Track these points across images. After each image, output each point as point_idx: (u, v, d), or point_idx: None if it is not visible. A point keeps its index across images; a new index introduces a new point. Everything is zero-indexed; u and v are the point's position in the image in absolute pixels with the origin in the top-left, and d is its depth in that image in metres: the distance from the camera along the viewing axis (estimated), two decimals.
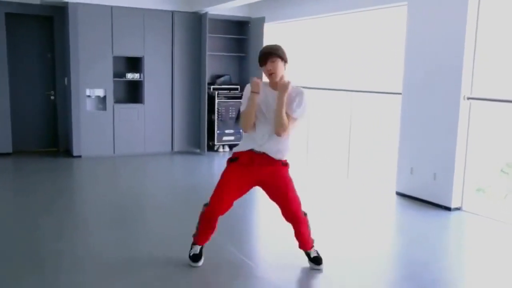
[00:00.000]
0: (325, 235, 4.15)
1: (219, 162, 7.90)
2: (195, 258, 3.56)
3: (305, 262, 3.64)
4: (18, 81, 7.75)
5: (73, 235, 4.29)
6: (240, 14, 8.49)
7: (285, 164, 3.43)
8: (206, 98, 8.25)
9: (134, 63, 8.11)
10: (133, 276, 3.41)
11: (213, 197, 3.41)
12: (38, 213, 4.81)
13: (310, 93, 7.54)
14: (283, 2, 7.71)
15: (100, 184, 6.36)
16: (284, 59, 3.32)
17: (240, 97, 6.21)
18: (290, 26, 8.13)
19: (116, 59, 7.82)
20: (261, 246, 4.37)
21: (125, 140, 7.94)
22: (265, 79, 3.44)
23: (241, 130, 3.48)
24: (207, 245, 3.62)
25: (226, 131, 8.51)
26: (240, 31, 8.82)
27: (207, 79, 8.29)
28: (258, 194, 4.69)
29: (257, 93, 3.28)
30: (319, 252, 3.64)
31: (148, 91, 8.01)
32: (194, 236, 3.58)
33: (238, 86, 8.55)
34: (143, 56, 7.90)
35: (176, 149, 8.39)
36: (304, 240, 3.59)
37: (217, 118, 8.42)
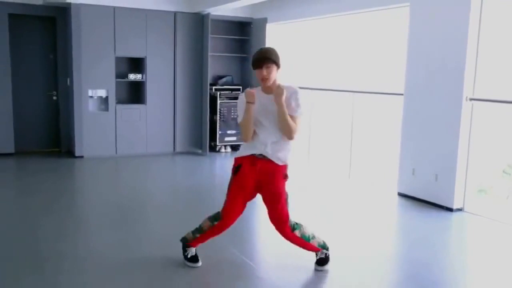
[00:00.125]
0: (326, 235, 4.14)
1: (221, 162, 7.91)
2: (194, 259, 3.56)
3: (307, 263, 3.64)
4: (21, 81, 7.77)
5: (74, 235, 4.29)
6: (242, 15, 8.49)
7: (285, 177, 3.41)
8: (208, 99, 8.25)
9: (137, 64, 8.12)
10: (134, 276, 3.41)
11: (224, 211, 3.43)
12: (40, 213, 4.82)
13: (311, 94, 7.58)
14: (285, 3, 7.71)
15: (102, 184, 6.37)
16: (278, 65, 3.31)
17: None
18: (292, 27, 8.13)
19: (118, 59, 7.84)
20: (262, 247, 4.37)
21: (127, 140, 7.95)
22: (257, 83, 3.43)
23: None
24: (208, 245, 3.62)
25: (228, 132, 8.51)
26: (242, 32, 8.82)
27: (209, 80, 8.30)
28: (259, 195, 4.67)
29: (253, 103, 3.29)
30: (329, 254, 3.61)
31: (150, 91, 8.02)
32: (188, 240, 3.58)
33: (240, 87, 8.56)
34: (146, 57, 7.91)
35: (178, 149, 8.40)
36: (300, 247, 3.58)
37: (219, 119, 8.43)
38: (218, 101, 8.38)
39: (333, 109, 7.56)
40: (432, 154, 5.40)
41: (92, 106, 7.75)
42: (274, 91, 3.24)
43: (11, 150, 7.64)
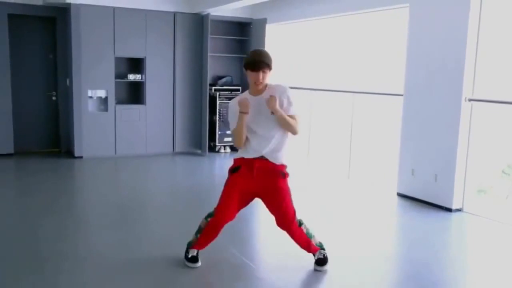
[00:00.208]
0: (326, 236, 4.14)
1: (220, 163, 7.91)
2: (194, 259, 3.57)
3: (307, 263, 3.64)
4: (20, 81, 7.77)
5: (74, 235, 4.30)
6: (242, 15, 8.50)
7: (284, 176, 3.44)
8: (208, 99, 8.26)
9: (136, 64, 8.12)
10: (134, 277, 3.41)
11: (218, 208, 3.45)
12: (40, 213, 4.83)
13: (310, 95, 7.58)
14: (285, 4, 7.72)
15: (102, 184, 6.37)
16: (271, 68, 3.33)
17: None
18: (291, 28, 8.14)
19: (118, 60, 7.84)
20: (262, 248, 4.37)
21: (127, 141, 7.95)
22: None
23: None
24: (208, 246, 3.62)
25: (228, 132, 8.51)
26: (242, 32, 8.83)
27: (209, 80, 8.30)
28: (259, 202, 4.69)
29: (247, 113, 3.31)
30: (327, 254, 3.62)
31: (149, 92, 8.02)
32: (192, 244, 3.58)
33: (240, 87, 8.56)
34: (145, 57, 7.92)
35: (177, 150, 8.40)
36: (303, 247, 3.59)
37: (218, 119, 8.43)
38: (218, 102, 8.39)
39: (333, 110, 7.57)
40: (431, 154, 5.41)
41: (91, 106, 7.75)
42: (266, 102, 3.26)
43: (11, 150, 7.64)
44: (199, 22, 8.22)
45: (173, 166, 7.77)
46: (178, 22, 8.07)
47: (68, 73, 7.82)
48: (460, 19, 5.02)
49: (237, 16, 8.49)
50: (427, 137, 5.44)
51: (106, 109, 7.78)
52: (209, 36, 8.11)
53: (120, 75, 7.89)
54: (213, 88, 8.45)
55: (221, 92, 8.43)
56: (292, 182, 3.55)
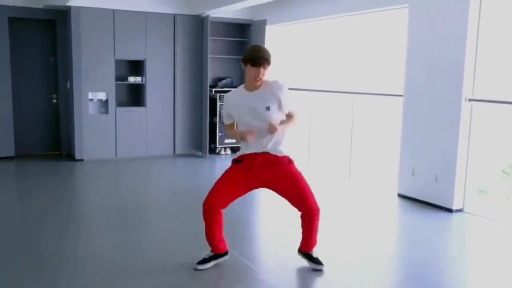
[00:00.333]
0: (326, 236, 4.15)
1: (221, 164, 7.91)
2: (201, 260, 3.56)
3: (307, 264, 3.64)
4: (21, 84, 7.78)
5: (75, 237, 4.30)
6: (241, 16, 8.50)
7: (290, 161, 3.48)
8: (208, 101, 8.26)
9: (136, 67, 8.13)
10: (134, 278, 3.41)
11: (210, 190, 3.48)
12: (41, 216, 4.83)
13: (311, 96, 7.58)
14: (285, 5, 7.72)
15: (103, 187, 6.37)
16: (270, 64, 3.35)
17: None
18: (291, 29, 8.14)
19: (118, 62, 7.85)
20: (263, 249, 4.37)
21: (127, 143, 7.96)
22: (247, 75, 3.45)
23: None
24: (208, 247, 3.61)
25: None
26: (242, 33, 8.84)
27: (209, 82, 8.31)
28: (259, 196, 4.70)
29: (245, 140, 3.39)
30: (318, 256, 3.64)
31: (150, 94, 8.03)
32: (211, 247, 3.58)
33: None
34: (145, 59, 7.93)
35: (178, 152, 8.41)
36: (311, 236, 3.57)
37: (218, 121, 8.44)
38: (218, 103, 8.39)
39: (333, 110, 7.57)
40: (431, 155, 5.41)
41: (92, 109, 7.76)
42: (269, 131, 3.28)
43: (11, 153, 7.65)
44: (199, 24, 8.23)
45: (174, 168, 7.78)
46: (178, 24, 8.08)
47: (68, 75, 7.83)
48: (459, 19, 5.02)
49: (237, 18, 8.49)
50: (427, 138, 5.44)
51: (106, 112, 7.79)
52: (209, 37, 8.12)
53: (120, 78, 7.90)
54: (214, 89, 8.45)
55: (222, 94, 8.43)
56: None
